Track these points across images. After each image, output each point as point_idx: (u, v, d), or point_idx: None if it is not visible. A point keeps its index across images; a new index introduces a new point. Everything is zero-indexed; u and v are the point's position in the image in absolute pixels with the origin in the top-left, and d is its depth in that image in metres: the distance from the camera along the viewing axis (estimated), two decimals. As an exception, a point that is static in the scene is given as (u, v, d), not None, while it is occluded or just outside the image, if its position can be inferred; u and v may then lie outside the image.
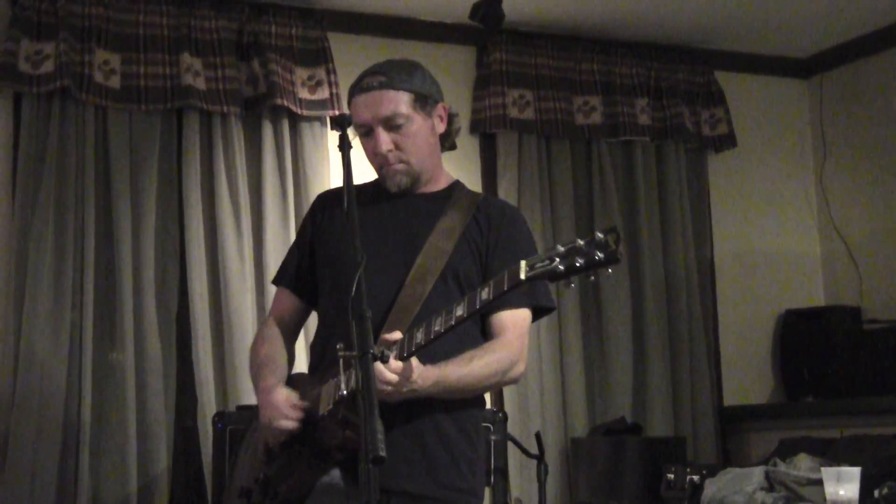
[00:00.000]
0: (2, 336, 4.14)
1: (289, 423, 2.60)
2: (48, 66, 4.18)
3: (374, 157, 2.74)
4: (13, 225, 4.18)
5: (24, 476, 4.01)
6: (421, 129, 2.73)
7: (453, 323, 2.40)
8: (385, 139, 2.70)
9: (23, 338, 4.09)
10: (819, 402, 5.07)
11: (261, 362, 2.80)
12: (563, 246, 2.24)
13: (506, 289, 2.33)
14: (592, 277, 2.23)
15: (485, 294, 2.37)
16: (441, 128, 2.79)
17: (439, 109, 2.78)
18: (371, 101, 2.69)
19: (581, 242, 2.21)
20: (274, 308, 2.95)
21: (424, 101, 2.73)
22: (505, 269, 2.34)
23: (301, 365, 2.97)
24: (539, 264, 2.25)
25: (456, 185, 2.85)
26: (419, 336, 2.43)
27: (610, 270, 2.21)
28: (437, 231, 2.70)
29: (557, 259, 2.22)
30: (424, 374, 2.48)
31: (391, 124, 2.69)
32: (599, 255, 2.19)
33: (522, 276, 2.28)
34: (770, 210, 5.53)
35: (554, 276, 2.23)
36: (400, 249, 2.70)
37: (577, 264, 2.20)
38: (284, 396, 2.63)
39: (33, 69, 4.18)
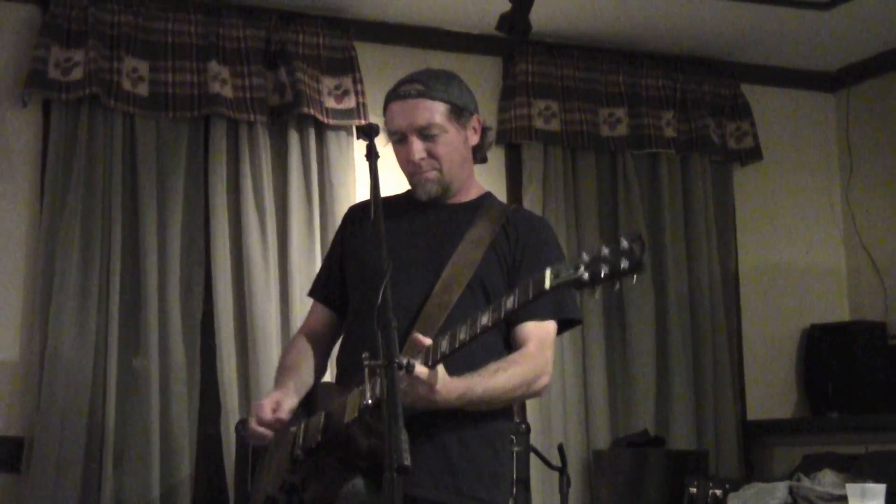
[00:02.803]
0: (28, 340, 4.17)
1: (258, 429, 2.62)
2: (77, 74, 4.21)
3: (406, 164, 2.76)
4: (40, 230, 4.21)
5: (47, 479, 4.02)
6: (454, 139, 2.74)
7: (478, 331, 2.40)
8: (418, 147, 2.72)
9: (49, 342, 4.11)
10: (844, 417, 5.04)
11: (283, 369, 2.84)
12: (587, 254, 2.23)
13: (531, 297, 2.33)
14: (618, 286, 2.23)
15: (509, 303, 2.37)
16: (474, 139, 2.81)
17: (473, 121, 2.80)
18: (407, 108, 2.72)
19: (606, 251, 2.21)
20: (307, 320, 2.99)
21: (460, 113, 2.75)
22: (530, 278, 2.34)
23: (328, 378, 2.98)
24: (564, 273, 2.25)
25: (486, 197, 2.87)
26: (444, 344, 2.44)
27: (635, 279, 2.21)
28: (465, 241, 2.71)
29: (582, 267, 2.22)
30: (449, 387, 2.48)
31: (425, 133, 2.71)
32: (624, 263, 2.18)
33: (547, 285, 2.28)
34: (795, 224, 5.50)
35: (578, 284, 2.23)
36: (428, 259, 2.71)
37: (602, 273, 2.19)
38: (271, 402, 2.64)
39: (63, 76, 4.21)
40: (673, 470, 4.59)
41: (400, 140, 2.75)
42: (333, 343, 2.97)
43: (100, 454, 4.12)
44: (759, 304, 5.38)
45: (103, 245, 4.24)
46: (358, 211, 2.94)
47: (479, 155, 2.87)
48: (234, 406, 4.32)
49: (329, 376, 3.02)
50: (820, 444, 4.85)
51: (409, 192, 2.85)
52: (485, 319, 2.40)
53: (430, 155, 2.73)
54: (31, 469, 4.04)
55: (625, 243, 2.19)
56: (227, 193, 4.45)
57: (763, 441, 5.21)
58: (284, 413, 2.64)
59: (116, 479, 4.15)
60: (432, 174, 2.75)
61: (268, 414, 2.63)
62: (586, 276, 2.21)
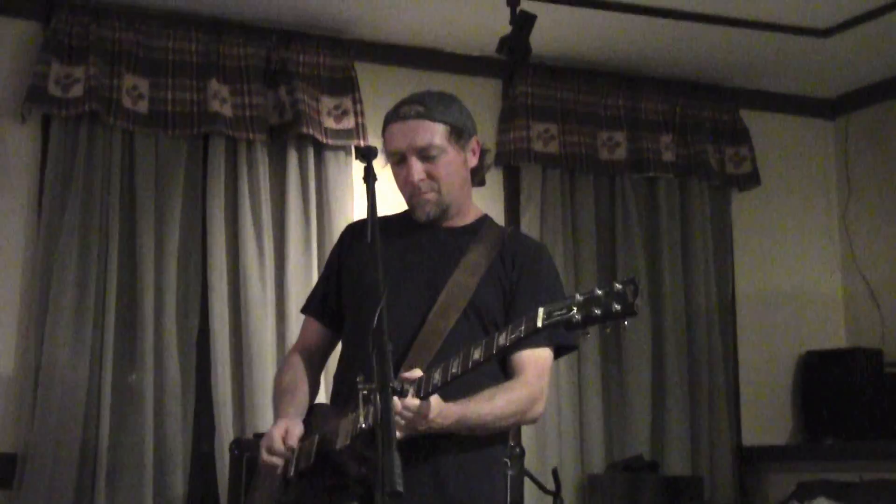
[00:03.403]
0: (23, 355, 4.16)
1: (271, 459, 2.62)
2: (77, 90, 4.22)
3: (406, 185, 2.76)
4: (38, 246, 4.20)
5: (40, 495, 4.01)
6: (453, 161, 2.75)
7: (469, 366, 2.41)
8: (418, 168, 2.72)
9: (44, 357, 4.10)
10: (839, 444, 5.03)
11: (281, 391, 2.83)
12: (581, 295, 2.25)
13: (522, 335, 2.34)
14: (608, 329, 2.24)
15: (502, 339, 2.38)
16: (473, 162, 2.82)
17: (473, 143, 2.80)
18: (407, 129, 2.72)
19: (599, 292, 2.22)
20: (301, 336, 2.99)
21: (459, 135, 2.75)
22: (523, 315, 2.35)
23: (322, 395, 2.97)
24: (556, 312, 2.27)
25: (484, 220, 2.87)
26: (436, 377, 2.44)
27: (626, 322, 2.22)
28: (462, 266, 2.71)
29: (575, 308, 2.24)
30: (445, 413, 2.49)
31: (425, 154, 2.72)
32: (617, 306, 2.20)
33: (539, 324, 2.29)
34: (792, 250, 5.51)
35: (570, 325, 2.25)
36: (424, 284, 2.71)
37: (594, 314, 2.22)
38: (281, 431, 2.64)
39: (63, 92, 4.21)
40: (667, 495, 4.58)
41: (399, 161, 2.75)
42: (326, 359, 2.97)
43: (93, 471, 4.11)
44: (755, 329, 5.37)
45: (100, 261, 4.23)
46: (356, 229, 2.94)
47: (476, 178, 2.87)
48: (229, 424, 4.31)
49: (324, 389, 3.02)
50: (815, 472, 4.84)
51: (406, 212, 2.85)
52: (477, 355, 2.41)
53: (430, 176, 2.73)
54: (24, 485, 4.02)
55: (618, 286, 2.21)
56: (224, 212, 4.45)
57: (758, 467, 5.19)
58: (295, 440, 2.64)
59: (109, 496, 4.13)
60: (431, 195, 2.75)
61: (279, 444, 2.62)
62: (578, 317, 2.24)
